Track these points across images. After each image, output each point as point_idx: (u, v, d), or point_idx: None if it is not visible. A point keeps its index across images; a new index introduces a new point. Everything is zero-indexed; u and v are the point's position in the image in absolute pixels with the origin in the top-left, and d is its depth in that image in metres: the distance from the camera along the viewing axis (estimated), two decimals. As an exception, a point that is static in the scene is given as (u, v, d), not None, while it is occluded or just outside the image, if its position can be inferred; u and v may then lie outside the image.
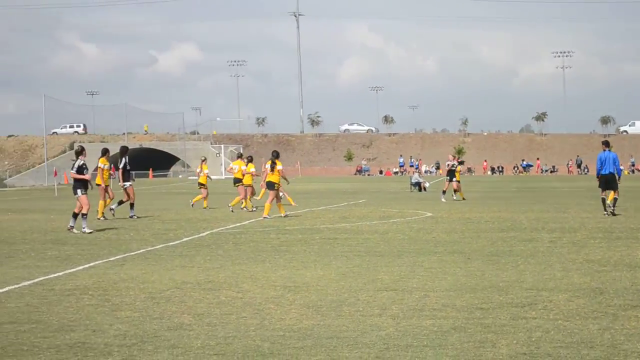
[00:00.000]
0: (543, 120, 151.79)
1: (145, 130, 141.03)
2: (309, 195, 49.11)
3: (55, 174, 64.42)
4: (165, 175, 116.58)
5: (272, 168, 30.38)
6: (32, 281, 14.74)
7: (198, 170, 40.69)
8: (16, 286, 14.17)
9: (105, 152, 31.27)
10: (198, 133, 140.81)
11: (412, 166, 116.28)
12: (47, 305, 12.31)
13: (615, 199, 30.21)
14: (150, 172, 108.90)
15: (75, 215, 24.78)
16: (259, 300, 12.50)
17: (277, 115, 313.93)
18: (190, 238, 22.34)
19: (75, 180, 25.05)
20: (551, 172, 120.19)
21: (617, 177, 30.17)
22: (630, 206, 34.96)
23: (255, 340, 9.85)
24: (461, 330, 10.20)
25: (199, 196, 37.86)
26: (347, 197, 46.92)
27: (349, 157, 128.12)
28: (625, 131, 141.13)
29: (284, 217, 29.61)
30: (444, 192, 42.83)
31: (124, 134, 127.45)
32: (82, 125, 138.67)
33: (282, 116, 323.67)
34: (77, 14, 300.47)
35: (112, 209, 30.95)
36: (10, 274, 15.65)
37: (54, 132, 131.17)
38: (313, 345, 9.55)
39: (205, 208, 36.35)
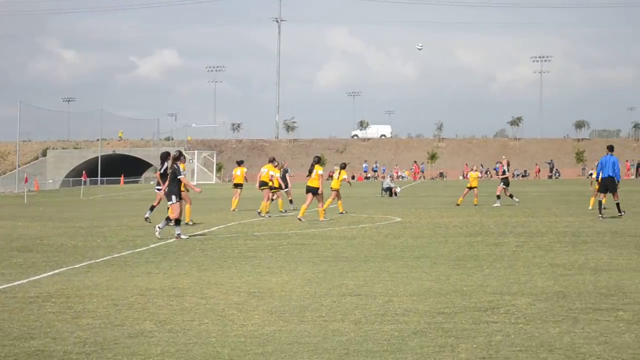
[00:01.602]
0: (518, 125, 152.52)
1: (120, 137, 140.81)
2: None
3: (26, 181, 64.02)
4: (137, 182, 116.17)
5: (311, 172, 32.28)
6: (-5, 289, 14.65)
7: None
8: (-21, 294, 14.07)
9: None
10: (173, 139, 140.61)
11: (375, 171, 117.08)
12: (8, 313, 12.22)
13: (617, 203, 30.79)
14: (122, 178, 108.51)
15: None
16: (222, 307, 12.47)
17: (254, 121, 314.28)
18: (157, 244, 22.25)
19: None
20: (522, 176, 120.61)
21: (616, 180, 30.62)
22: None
23: (215, 346, 9.82)
24: (422, 335, 10.21)
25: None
26: (317, 203, 46.75)
27: (322, 163, 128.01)
28: None
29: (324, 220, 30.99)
30: (498, 196, 42.50)
31: (98, 140, 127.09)
32: None
33: (259, 122, 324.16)
34: (58, 20, 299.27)
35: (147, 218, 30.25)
36: (-27, 282, 15.54)
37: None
38: (274, 351, 9.54)
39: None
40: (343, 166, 36.68)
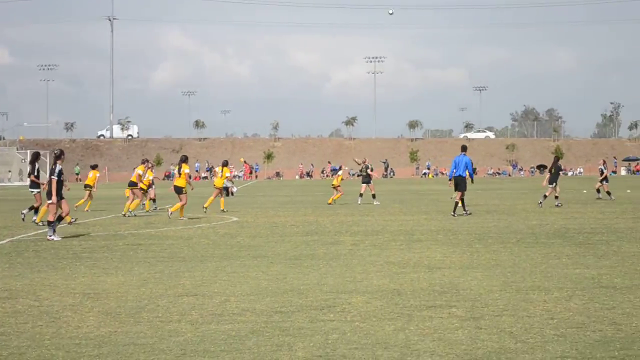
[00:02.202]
0: (353, 124, 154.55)
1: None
2: (115, 202, 48.30)
3: None
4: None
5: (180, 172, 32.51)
6: None
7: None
8: None
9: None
10: (4, 138, 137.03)
11: (209, 170, 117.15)
12: None
13: (462, 200, 31.62)
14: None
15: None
16: (56, 309, 12.21)
17: (88, 120, 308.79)
18: (-12, 246, 21.65)
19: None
20: (358, 176, 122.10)
21: (467, 179, 31.87)
22: (433, 209, 35.87)
23: (49, 349, 9.61)
24: (259, 334, 10.22)
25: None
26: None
27: (158, 162, 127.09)
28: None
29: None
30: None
31: None
32: None
33: (93, 121, 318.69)
34: None
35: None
36: None
37: None
38: (109, 353, 9.39)
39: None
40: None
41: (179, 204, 31.92)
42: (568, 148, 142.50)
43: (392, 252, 19.01)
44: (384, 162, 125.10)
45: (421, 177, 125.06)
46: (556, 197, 37.47)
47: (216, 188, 37.46)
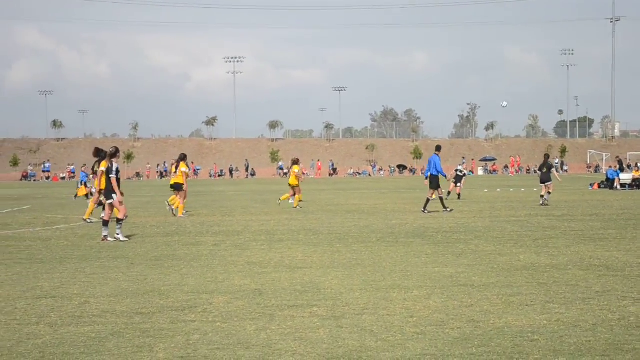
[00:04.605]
0: (213, 124, 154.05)
1: None
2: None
3: None
4: None
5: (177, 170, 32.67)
6: None
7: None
8: None
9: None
10: None
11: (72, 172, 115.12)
12: None
13: (440, 197, 33.57)
14: None
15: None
16: None
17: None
18: None
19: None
20: (219, 176, 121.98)
21: (438, 178, 33.40)
22: (293, 209, 35.99)
23: None
24: (120, 336, 10.11)
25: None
26: (11, 204, 45.48)
27: (15, 163, 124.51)
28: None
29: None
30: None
31: None
32: None
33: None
34: None
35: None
36: None
37: None
38: (-36, 358, 9.18)
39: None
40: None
41: (181, 203, 32.15)
42: (426, 148, 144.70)
43: (254, 252, 19.03)
44: (245, 163, 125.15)
45: (281, 177, 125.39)
46: (541, 196, 37.54)
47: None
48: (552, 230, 23.85)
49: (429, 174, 33.54)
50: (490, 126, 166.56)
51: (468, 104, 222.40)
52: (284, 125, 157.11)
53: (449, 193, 44.18)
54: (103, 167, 23.55)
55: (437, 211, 32.72)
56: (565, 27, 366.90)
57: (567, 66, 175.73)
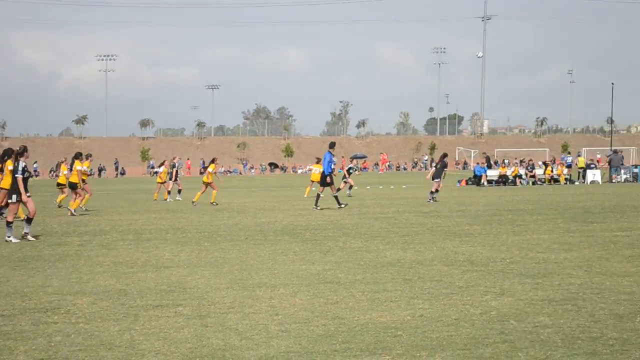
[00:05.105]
0: (84, 123, 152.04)
1: None
2: None
3: None
4: None
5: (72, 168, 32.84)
6: None
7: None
8: None
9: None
10: None
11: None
12: None
13: (335, 196, 33.62)
14: None
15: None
16: None
17: None
18: None
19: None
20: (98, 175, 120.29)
21: (326, 175, 33.51)
22: (163, 207, 35.70)
23: None
24: (-22, 339, 9.90)
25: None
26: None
27: None
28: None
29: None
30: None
31: None
32: None
33: None
34: None
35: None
36: None
37: None
38: None
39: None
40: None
41: (78, 199, 32.42)
42: (298, 146, 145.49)
43: (120, 252, 18.84)
44: (115, 163, 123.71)
45: (151, 175, 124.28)
46: (431, 192, 37.79)
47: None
48: (418, 227, 24.21)
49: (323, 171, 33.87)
50: (361, 124, 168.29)
51: (340, 102, 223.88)
52: (156, 124, 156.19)
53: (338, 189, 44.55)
54: (10, 165, 22.96)
55: (326, 208, 32.89)
56: (437, 25, 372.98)
57: (439, 64, 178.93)
